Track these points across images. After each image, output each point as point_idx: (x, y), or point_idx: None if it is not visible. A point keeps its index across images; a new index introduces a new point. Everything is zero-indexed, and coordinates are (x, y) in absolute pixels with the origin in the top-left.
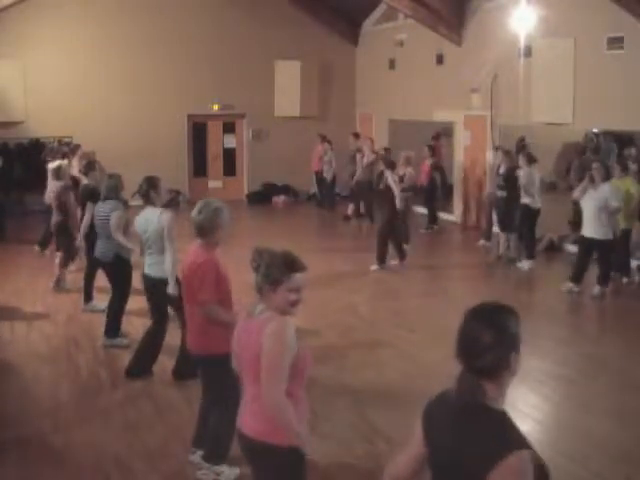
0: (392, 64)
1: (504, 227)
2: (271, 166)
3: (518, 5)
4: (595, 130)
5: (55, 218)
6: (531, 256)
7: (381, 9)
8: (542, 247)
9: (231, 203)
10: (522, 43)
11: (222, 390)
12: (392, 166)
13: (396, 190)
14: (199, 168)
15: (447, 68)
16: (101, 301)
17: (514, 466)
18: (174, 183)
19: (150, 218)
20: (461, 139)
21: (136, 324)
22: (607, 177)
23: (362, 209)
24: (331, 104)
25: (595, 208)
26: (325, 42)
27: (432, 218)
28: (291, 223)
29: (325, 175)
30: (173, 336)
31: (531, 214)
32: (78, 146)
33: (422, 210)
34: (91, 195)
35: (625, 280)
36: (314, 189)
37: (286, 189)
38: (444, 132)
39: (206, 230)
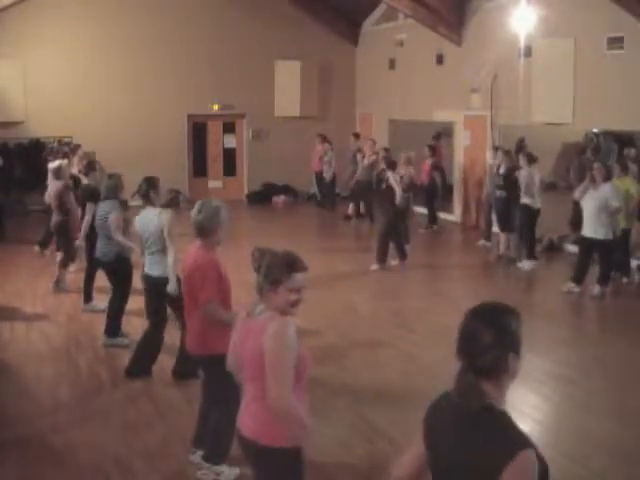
0: (392, 64)
1: (504, 227)
2: (271, 166)
3: (518, 5)
4: (595, 130)
5: (55, 218)
6: (531, 256)
7: (381, 9)
8: (542, 247)
9: (231, 203)
10: (522, 43)
11: (222, 390)
12: (393, 166)
13: (398, 190)
14: (199, 168)
15: (447, 68)
16: (101, 301)
17: (523, 465)
18: (174, 183)
19: (150, 218)
20: (461, 139)
21: (136, 324)
22: (608, 177)
23: (362, 209)
24: (331, 104)
25: (595, 208)
26: (325, 42)
27: (432, 218)
28: (291, 223)
29: (325, 175)
30: (173, 336)
31: (531, 214)
32: (78, 146)
33: (422, 210)
34: (91, 195)
35: (625, 280)
36: (314, 189)
37: (286, 189)
38: (444, 132)
39: (206, 230)
